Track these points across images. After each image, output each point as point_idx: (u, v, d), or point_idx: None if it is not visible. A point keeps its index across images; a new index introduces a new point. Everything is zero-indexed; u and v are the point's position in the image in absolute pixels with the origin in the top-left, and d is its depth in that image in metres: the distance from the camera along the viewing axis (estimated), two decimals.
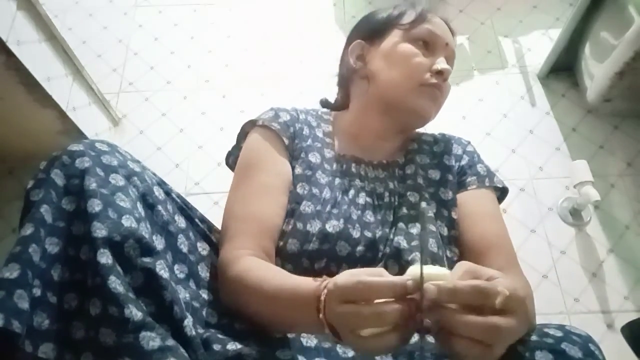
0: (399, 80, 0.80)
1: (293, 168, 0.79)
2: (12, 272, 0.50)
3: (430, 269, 0.50)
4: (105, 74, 1.62)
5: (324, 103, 0.99)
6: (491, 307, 0.46)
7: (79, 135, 1.31)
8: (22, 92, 1.15)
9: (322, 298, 0.52)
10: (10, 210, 1.37)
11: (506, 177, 1.40)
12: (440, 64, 0.79)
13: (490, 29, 1.73)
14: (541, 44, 1.67)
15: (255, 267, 0.66)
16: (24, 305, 0.49)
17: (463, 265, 0.51)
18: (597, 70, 1.37)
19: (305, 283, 0.57)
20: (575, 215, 1.34)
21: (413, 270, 0.50)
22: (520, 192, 1.39)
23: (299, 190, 0.76)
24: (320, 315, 0.52)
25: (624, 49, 1.23)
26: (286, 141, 0.80)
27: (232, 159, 0.88)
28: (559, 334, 0.56)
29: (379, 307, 0.47)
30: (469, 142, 0.90)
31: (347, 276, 0.50)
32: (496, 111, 1.55)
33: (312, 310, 0.53)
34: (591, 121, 1.51)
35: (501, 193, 0.85)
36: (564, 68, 1.56)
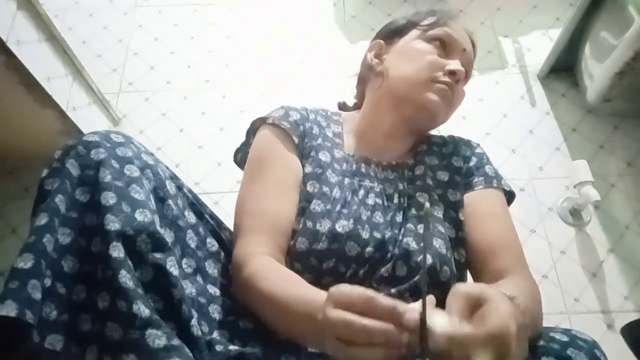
0: (410, 74, 0.80)
1: (303, 167, 0.79)
2: (27, 262, 0.50)
3: (433, 316, 0.47)
4: (105, 74, 1.62)
5: (342, 106, 0.98)
6: None
7: (79, 135, 1.30)
8: (22, 92, 1.15)
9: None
10: (10, 210, 1.37)
11: (506, 177, 1.39)
12: (454, 64, 0.79)
13: (490, 29, 1.73)
14: (541, 44, 1.67)
15: (268, 271, 0.65)
16: (37, 295, 0.49)
17: (458, 297, 0.48)
18: (597, 70, 1.37)
19: (313, 295, 0.56)
20: (575, 215, 1.34)
21: (416, 307, 0.48)
22: (520, 192, 1.39)
23: (309, 188, 0.76)
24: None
25: (624, 49, 1.23)
26: (296, 140, 0.80)
27: (240, 155, 0.89)
28: (565, 339, 0.56)
29: (372, 323, 0.46)
30: (478, 145, 0.90)
31: (352, 287, 0.49)
32: (496, 111, 1.55)
33: (315, 325, 0.52)
34: (591, 121, 1.51)
35: (508, 198, 0.85)
36: (564, 68, 1.56)
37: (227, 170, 1.43)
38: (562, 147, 1.47)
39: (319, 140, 0.82)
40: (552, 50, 1.53)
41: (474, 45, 0.87)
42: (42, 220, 0.53)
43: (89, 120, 1.36)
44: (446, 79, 0.78)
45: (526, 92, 1.59)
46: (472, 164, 0.84)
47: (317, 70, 1.65)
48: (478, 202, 0.79)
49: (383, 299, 0.47)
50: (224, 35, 1.74)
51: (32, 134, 1.28)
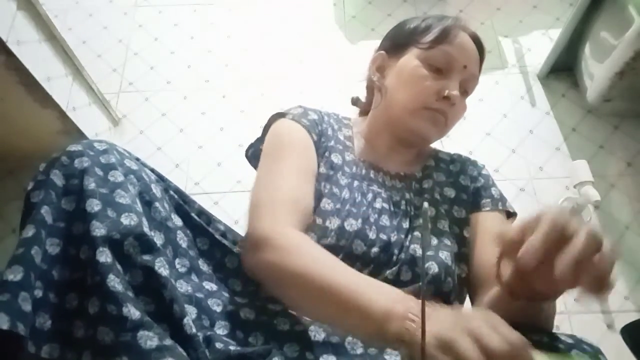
0: (404, 101, 0.80)
1: (317, 165, 0.79)
2: (16, 275, 0.50)
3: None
4: (105, 74, 1.63)
5: (354, 101, 0.98)
6: None
7: (79, 135, 1.31)
8: (22, 92, 1.15)
9: (409, 319, 0.50)
10: (10, 210, 1.37)
11: (506, 177, 1.40)
12: (450, 89, 0.78)
13: (490, 29, 1.73)
14: (541, 44, 1.67)
15: (304, 247, 0.62)
16: (28, 307, 0.50)
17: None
18: (597, 70, 1.37)
19: (376, 290, 0.55)
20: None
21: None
22: (520, 192, 1.39)
23: (320, 188, 0.77)
24: (404, 329, 0.50)
25: (624, 49, 1.23)
26: (315, 137, 0.81)
27: (252, 151, 0.89)
28: (570, 341, 0.56)
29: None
30: (484, 166, 0.92)
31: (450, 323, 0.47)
32: (496, 111, 1.55)
33: (380, 323, 0.51)
34: (591, 121, 1.51)
35: (508, 218, 0.87)
36: (564, 68, 1.56)
37: (227, 170, 1.43)
38: (562, 147, 1.47)
39: (332, 142, 0.83)
40: (552, 50, 1.53)
41: (482, 49, 0.85)
42: (29, 232, 0.53)
43: (89, 120, 1.36)
44: (439, 105, 0.78)
45: (526, 92, 1.58)
46: (479, 184, 0.86)
47: (317, 70, 1.65)
48: (484, 223, 0.81)
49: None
50: (224, 35, 1.74)
51: (32, 134, 1.28)
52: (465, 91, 0.83)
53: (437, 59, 0.80)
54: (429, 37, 0.81)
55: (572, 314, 1.21)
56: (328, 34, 1.75)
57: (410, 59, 0.82)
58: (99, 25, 1.76)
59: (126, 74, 1.64)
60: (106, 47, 1.70)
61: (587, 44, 1.43)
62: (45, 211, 0.55)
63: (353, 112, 0.98)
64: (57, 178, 0.58)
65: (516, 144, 1.48)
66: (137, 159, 0.67)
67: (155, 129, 1.52)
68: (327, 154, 0.81)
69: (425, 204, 0.48)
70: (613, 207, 1.35)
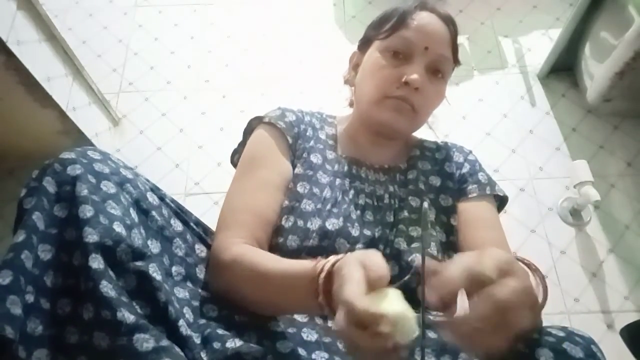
0: (367, 94, 0.81)
1: (294, 167, 0.80)
2: (5, 279, 0.50)
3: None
4: (105, 74, 1.62)
5: (352, 102, 0.99)
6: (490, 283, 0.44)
7: (79, 135, 1.31)
8: (22, 92, 1.15)
9: (321, 281, 0.52)
10: (10, 210, 1.35)
11: (506, 177, 1.40)
12: (408, 74, 0.76)
13: (490, 29, 1.73)
14: (541, 44, 1.67)
15: (250, 252, 0.67)
16: (17, 311, 0.49)
17: (461, 264, 0.48)
18: (597, 70, 1.37)
19: (300, 263, 0.58)
20: (575, 215, 1.34)
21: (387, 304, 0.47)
22: (520, 192, 1.39)
23: (300, 189, 0.77)
24: (320, 298, 0.52)
25: (624, 49, 1.23)
26: (290, 140, 0.81)
27: (237, 157, 0.90)
28: (562, 334, 0.56)
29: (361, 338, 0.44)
30: (470, 151, 0.90)
31: (347, 276, 0.48)
32: (496, 111, 1.55)
33: (307, 290, 0.54)
34: (591, 121, 1.51)
35: (501, 202, 0.86)
36: (564, 68, 1.56)
37: (227, 170, 1.42)
38: (562, 147, 1.47)
39: (312, 143, 0.83)
40: (552, 50, 1.53)
41: (452, 26, 0.82)
42: (20, 237, 0.53)
43: (89, 120, 1.36)
44: (399, 92, 0.77)
45: (526, 92, 1.59)
46: (465, 170, 0.85)
47: (317, 70, 1.65)
48: (471, 210, 0.81)
49: (361, 308, 0.44)
50: (224, 35, 1.74)
51: (32, 134, 1.28)
52: (435, 74, 0.79)
53: (395, 47, 0.78)
54: (387, 26, 0.80)
55: (572, 314, 1.21)
56: (328, 34, 1.75)
57: (372, 52, 0.82)
58: (99, 25, 1.76)
59: (126, 74, 1.64)
60: (106, 47, 1.70)
61: (587, 44, 1.43)
62: (37, 217, 0.55)
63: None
64: (49, 185, 0.58)
65: (516, 144, 1.48)
66: (131, 169, 0.66)
67: (155, 129, 1.52)
68: (305, 154, 0.81)
69: (425, 204, 0.48)
70: (613, 207, 1.35)
